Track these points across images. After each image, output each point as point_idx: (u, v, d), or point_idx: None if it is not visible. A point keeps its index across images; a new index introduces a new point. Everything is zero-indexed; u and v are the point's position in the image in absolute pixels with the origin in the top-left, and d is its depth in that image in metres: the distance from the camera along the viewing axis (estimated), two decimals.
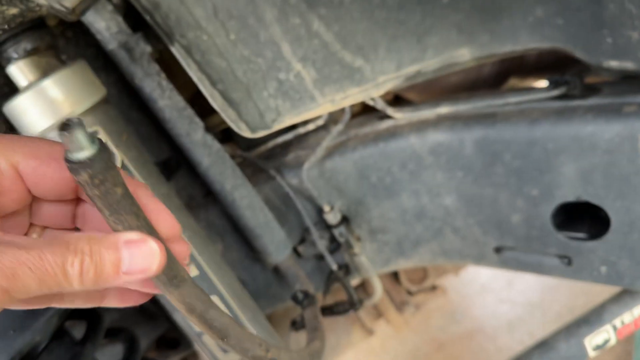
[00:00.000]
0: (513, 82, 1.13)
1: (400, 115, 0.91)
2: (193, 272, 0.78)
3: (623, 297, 1.10)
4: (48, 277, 0.39)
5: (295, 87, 0.82)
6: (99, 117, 0.72)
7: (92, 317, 0.82)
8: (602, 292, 1.15)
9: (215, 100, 0.78)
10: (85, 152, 0.32)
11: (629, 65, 0.74)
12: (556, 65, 1.06)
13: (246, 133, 0.82)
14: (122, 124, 0.76)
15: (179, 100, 0.81)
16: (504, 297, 2.63)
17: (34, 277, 0.38)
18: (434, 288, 1.49)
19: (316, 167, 0.93)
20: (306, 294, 0.93)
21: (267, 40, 0.77)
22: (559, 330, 1.15)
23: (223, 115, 0.79)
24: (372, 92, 0.84)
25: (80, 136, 0.32)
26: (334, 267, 0.94)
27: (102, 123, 0.72)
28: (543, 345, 1.15)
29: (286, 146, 1.03)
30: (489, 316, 2.58)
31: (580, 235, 0.86)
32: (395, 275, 1.45)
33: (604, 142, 0.76)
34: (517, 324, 2.39)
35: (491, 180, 0.87)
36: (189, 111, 0.82)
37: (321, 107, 0.85)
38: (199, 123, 0.82)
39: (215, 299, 0.80)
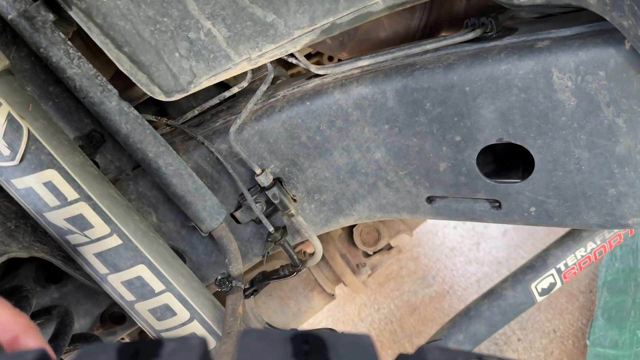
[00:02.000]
0: (445, 33, 1.13)
1: (322, 72, 0.90)
2: (115, 242, 0.77)
3: (566, 241, 1.12)
4: None
5: (207, 46, 0.80)
6: (1, 89, 0.70)
7: (18, 299, 0.80)
8: None
9: (122, 64, 0.76)
10: None
11: (538, 0, 0.74)
12: (485, 12, 1.05)
13: (160, 97, 0.80)
14: (27, 95, 0.73)
15: (89, 68, 0.79)
16: (472, 257, 2.67)
17: None
18: (389, 249, 1.50)
19: (244, 130, 0.92)
20: (228, 279, 0.91)
21: None
22: (506, 279, 1.17)
23: (133, 79, 0.77)
24: (289, 48, 0.83)
25: None
26: (271, 229, 0.93)
27: (5, 94, 0.70)
28: (491, 294, 1.17)
29: (217, 112, 1.01)
30: (459, 277, 2.62)
31: (505, 176, 0.87)
32: (350, 239, 1.46)
33: (518, 79, 0.76)
34: (485, 282, 2.43)
35: (416, 130, 0.87)
36: (101, 79, 0.79)
37: (238, 66, 0.83)
38: (112, 90, 0.80)
39: (142, 267, 0.79)
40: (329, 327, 2.92)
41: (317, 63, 1.42)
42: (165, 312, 0.83)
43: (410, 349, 2.46)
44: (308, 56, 1.34)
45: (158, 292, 0.81)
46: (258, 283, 1.05)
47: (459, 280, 2.60)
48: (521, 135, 0.80)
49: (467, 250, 2.74)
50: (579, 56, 0.71)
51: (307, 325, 2.97)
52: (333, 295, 1.51)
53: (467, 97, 0.80)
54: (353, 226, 1.43)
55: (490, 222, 0.92)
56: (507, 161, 0.95)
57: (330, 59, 1.46)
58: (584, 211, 0.83)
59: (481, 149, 0.85)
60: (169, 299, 0.82)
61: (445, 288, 2.60)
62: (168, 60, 0.79)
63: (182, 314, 0.83)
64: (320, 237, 1.42)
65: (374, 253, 1.49)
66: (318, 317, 3.04)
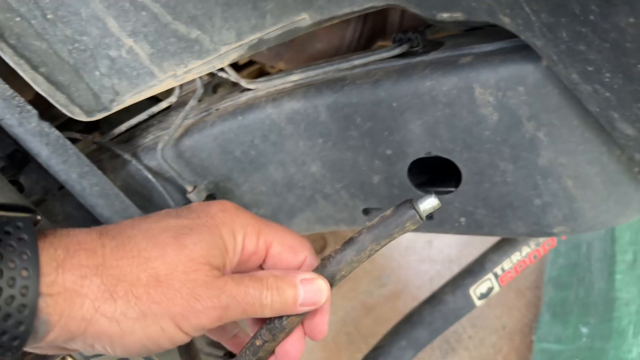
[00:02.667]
0: (380, 45, 1.13)
1: (253, 86, 0.89)
2: None
3: (502, 246, 1.15)
4: (249, 308, 0.54)
5: (130, 63, 0.78)
6: None
7: None
8: None
9: (39, 85, 0.73)
10: None
11: (459, 16, 0.74)
12: (420, 23, 1.06)
13: (81, 117, 0.77)
14: None
15: (5, 89, 0.75)
16: (425, 256, 2.72)
17: (239, 308, 0.53)
18: None
19: (174, 146, 0.90)
20: None
21: (90, 16, 0.73)
22: (446, 284, 1.19)
23: (51, 100, 0.74)
24: (216, 64, 0.82)
25: None
26: None
27: None
28: (432, 299, 1.19)
29: (147, 127, 0.99)
30: (413, 275, 2.66)
31: (436, 189, 0.88)
32: None
33: (442, 95, 0.77)
34: (437, 280, 2.47)
35: (349, 144, 0.87)
36: (19, 99, 0.76)
37: (164, 83, 0.81)
38: (31, 111, 0.76)
39: None
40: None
41: (261, 73, 1.41)
42: None
43: (366, 350, 2.49)
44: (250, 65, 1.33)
45: None
46: None
47: (412, 279, 2.64)
48: (448, 149, 0.81)
49: (420, 248, 2.78)
50: (499, 72, 0.72)
51: None
52: None
53: (395, 113, 0.81)
54: None
55: (424, 232, 0.93)
56: (442, 173, 0.97)
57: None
58: (512, 221, 0.85)
59: (415, 161, 0.86)
60: None
61: (400, 287, 2.63)
62: (88, 79, 0.77)
63: None
64: None
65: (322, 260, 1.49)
66: None
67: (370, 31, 1.07)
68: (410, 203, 0.60)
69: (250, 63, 1.33)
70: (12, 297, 0.43)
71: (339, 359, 2.50)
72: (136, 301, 0.49)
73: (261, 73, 1.34)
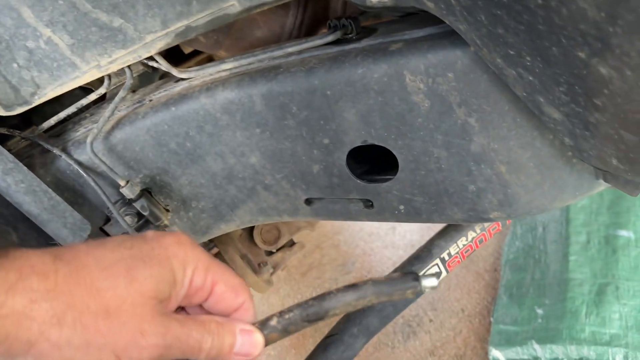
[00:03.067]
0: (324, 31, 1.11)
1: (185, 75, 0.86)
2: None
3: (449, 231, 1.15)
4: (189, 350, 0.54)
5: (49, 55, 0.74)
6: None
7: None
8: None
9: None
10: None
11: (387, 1, 0.73)
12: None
13: (0, 112, 0.74)
14: None
15: None
16: (388, 242, 2.73)
17: (180, 349, 0.54)
18: (291, 245, 1.50)
19: (105, 139, 0.87)
20: None
21: (3, 6, 0.69)
22: (394, 271, 1.19)
23: None
24: (142, 53, 0.79)
25: None
26: None
27: None
28: None
29: (80, 120, 0.95)
30: (377, 262, 2.68)
31: (376, 177, 0.87)
32: (251, 239, 1.44)
33: (374, 83, 0.76)
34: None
35: (286, 133, 0.86)
36: None
37: (87, 74, 0.78)
38: None
39: None
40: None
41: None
42: None
43: None
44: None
45: None
46: None
47: (376, 265, 2.65)
48: (383, 137, 0.80)
49: (384, 234, 2.80)
50: (428, 59, 0.72)
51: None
52: None
53: (330, 101, 0.80)
54: (253, 226, 1.41)
55: (365, 221, 0.93)
56: (383, 162, 0.96)
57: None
58: (448, 207, 0.85)
59: (356, 150, 0.85)
60: None
61: (364, 273, 2.65)
62: (5, 72, 0.73)
63: None
64: (219, 238, 1.40)
65: (277, 251, 1.48)
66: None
67: (312, 18, 1.05)
68: (417, 276, 0.65)
69: (197, 52, 1.30)
70: None
71: (305, 345, 2.50)
72: (82, 330, 0.50)
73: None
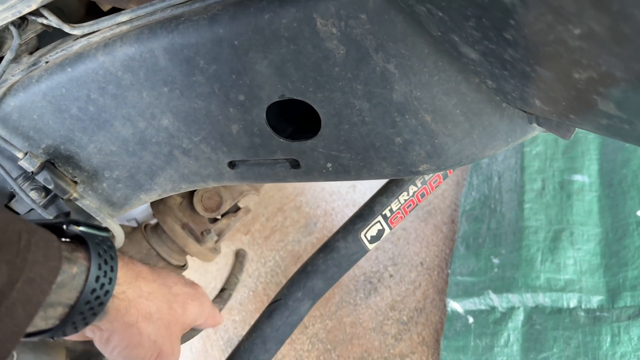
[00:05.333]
0: None
1: (77, 32, 0.77)
2: None
3: (390, 187, 1.11)
4: (208, 319, 0.95)
5: None
6: None
7: None
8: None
9: None
10: None
11: None
12: None
13: None
14: None
15: None
16: (349, 200, 2.70)
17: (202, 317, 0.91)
18: (236, 210, 1.44)
19: (0, 107, 0.78)
20: None
21: None
22: (337, 231, 1.15)
23: None
24: (22, 8, 0.70)
25: None
26: (49, 217, 0.82)
27: None
28: (325, 247, 1.15)
29: None
30: (339, 221, 2.65)
31: (298, 136, 0.81)
32: (192, 207, 1.37)
33: (284, 29, 0.68)
34: None
35: (197, 91, 0.78)
36: None
37: None
38: None
39: None
40: (218, 287, 2.88)
41: None
42: None
43: None
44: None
45: None
46: None
47: (338, 224, 2.61)
48: (300, 90, 0.74)
49: (344, 193, 2.76)
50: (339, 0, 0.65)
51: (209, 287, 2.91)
52: (183, 266, 1.44)
53: (239, 52, 0.72)
54: (193, 193, 1.34)
55: (294, 182, 0.87)
56: (310, 121, 0.90)
57: None
58: (376, 162, 0.79)
59: (280, 109, 0.79)
60: None
61: (326, 233, 2.62)
62: None
63: None
64: (157, 208, 1.33)
65: (221, 217, 1.42)
66: (207, 278, 2.98)
67: None
68: None
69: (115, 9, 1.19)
70: (103, 285, 0.68)
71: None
72: (156, 330, 0.76)
73: None
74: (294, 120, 0.91)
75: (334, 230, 2.33)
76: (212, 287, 2.91)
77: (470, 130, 0.75)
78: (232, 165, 0.88)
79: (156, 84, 0.79)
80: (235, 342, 2.52)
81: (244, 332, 1.17)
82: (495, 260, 1.83)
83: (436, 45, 0.66)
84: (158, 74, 0.77)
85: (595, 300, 1.61)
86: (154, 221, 1.43)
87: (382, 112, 0.73)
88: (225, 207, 1.36)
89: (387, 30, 0.65)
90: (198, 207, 1.33)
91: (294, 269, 2.64)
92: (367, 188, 2.67)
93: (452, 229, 2.13)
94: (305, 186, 3.10)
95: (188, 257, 1.45)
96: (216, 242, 1.39)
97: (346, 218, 1.14)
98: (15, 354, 0.81)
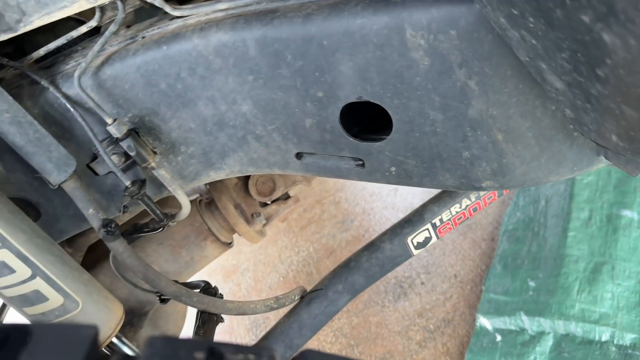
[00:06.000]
0: None
1: (178, 13, 0.82)
2: None
3: (443, 197, 1.13)
4: None
5: None
6: None
7: None
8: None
9: None
10: None
11: None
12: None
13: None
14: None
15: None
16: (389, 203, 2.72)
17: None
18: (286, 198, 1.48)
19: (95, 75, 0.84)
20: (109, 225, 0.88)
21: None
22: (385, 232, 1.18)
23: None
24: None
25: None
26: (127, 182, 0.88)
27: None
28: (370, 246, 1.18)
29: (71, 53, 0.92)
30: (375, 222, 2.67)
31: (369, 136, 0.85)
32: (246, 189, 1.42)
33: (373, 35, 0.72)
34: None
35: (279, 83, 0.82)
36: None
37: (76, 5, 0.75)
38: None
39: None
40: (250, 268, 2.95)
41: None
42: (2, 269, 0.78)
43: None
44: None
45: None
46: (128, 235, 1.01)
47: (374, 225, 2.65)
48: (379, 95, 0.77)
49: (385, 195, 2.78)
50: (431, 13, 0.67)
51: (230, 267, 2.98)
52: (230, 243, 1.49)
53: (326, 52, 0.76)
54: (249, 176, 1.39)
55: (356, 180, 0.91)
56: (377, 123, 0.93)
57: None
58: (440, 173, 0.82)
59: (351, 108, 0.82)
60: (4, 255, 0.76)
61: (362, 232, 2.65)
62: None
63: (22, 271, 0.79)
64: (214, 185, 1.39)
65: (272, 203, 1.47)
66: (240, 259, 3.06)
67: None
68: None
69: None
70: None
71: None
72: None
73: None
74: (360, 120, 0.94)
75: (370, 229, 2.37)
76: (244, 268, 2.98)
77: (539, 154, 0.77)
78: (299, 156, 0.92)
79: (242, 72, 0.83)
80: (260, 323, 2.59)
81: (270, 315, 1.21)
82: (532, 283, 1.83)
83: (520, 68, 0.68)
84: (246, 62, 0.82)
85: (629, 338, 1.60)
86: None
87: (455, 125, 0.75)
88: (277, 194, 1.40)
89: (474, 48, 0.68)
90: (252, 190, 1.38)
91: (326, 262, 2.69)
92: (409, 193, 2.69)
93: (491, 246, 2.12)
94: (346, 183, 3.13)
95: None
96: (264, 225, 1.44)
97: (384, 220, 1.18)
98: (80, 303, 0.87)
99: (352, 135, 0.85)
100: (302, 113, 0.85)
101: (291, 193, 1.51)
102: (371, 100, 0.78)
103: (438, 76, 0.72)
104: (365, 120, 0.91)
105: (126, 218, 1.16)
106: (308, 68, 0.79)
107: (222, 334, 2.61)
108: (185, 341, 0.35)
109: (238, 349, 0.36)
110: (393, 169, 0.85)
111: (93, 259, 1.38)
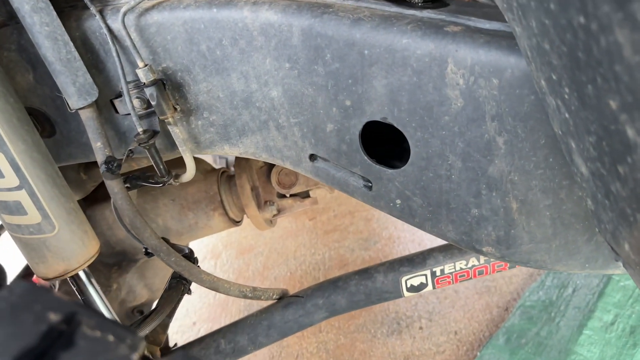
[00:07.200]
0: None
1: None
2: None
3: (452, 249, 1.07)
4: None
5: None
6: None
7: None
8: None
9: None
10: None
11: None
12: None
13: None
14: None
15: None
16: (417, 237, 2.64)
17: None
18: (305, 197, 1.45)
19: (141, 16, 0.84)
20: (112, 162, 0.88)
21: None
22: (382, 263, 1.13)
23: None
24: None
25: None
26: (140, 129, 0.88)
27: None
28: (363, 272, 1.14)
29: None
30: (398, 251, 2.60)
31: (384, 160, 0.80)
32: (269, 175, 1.40)
33: (414, 59, 0.67)
34: None
35: (312, 79, 0.79)
36: None
37: None
38: None
39: None
40: (264, 253, 2.95)
41: None
42: None
43: None
44: None
45: None
46: (132, 180, 1.01)
47: (395, 254, 2.57)
48: (404, 121, 0.72)
49: (416, 229, 2.70)
50: (478, 54, 0.62)
51: (247, 245, 2.99)
52: (238, 222, 1.48)
53: (364, 62, 0.72)
54: (273, 165, 1.37)
55: (359, 200, 0.86)
56: (391, 151, 0.88)
57: None
58: (444, 221, 0.77)
59: (373, 125, 0.78)
60: None
61: (380, 257, 2.58)
62: None
63: (10, 178, 0.80)
64: (239, 162, 1.38)
65: (289, 196, 1.44)
66: (258, 242, 3.06)
67: None
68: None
69: None
70: None
71: None
72: None
73: None
74: (379, 142, 0.89)
75: (389, 257, 2.30)
76: (258, 252, 2.98)
77: (551, 237, 0.70)
78: (312, 158, 0.89)
79: (281, 57, 0.81)
80: (254, 309, 2.58)
81: (265, 303, 1.18)
82: None
83: (554, 141, 0.62)
84: (287, 48, 0.79)
85: None
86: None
87: (472, 178, 0.70)
88: (297, 189, 1.38)
89: (512, 104, 0.62)
90: (273, 178, 1.36)
91: (336, 272, 2.64)
92: None
93: (502, 316, 2.01)
94: None
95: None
96: (274, 216, 1.42)
97: (406, 252, 1.12)
98: (57, 228, 0.87)
99: (368, 154, 0.81)
100: (326, 116, 0.81)
101: (312, 194, 1.48)
102: (395, 125, 0.73)
103: (467, 122, 0.66)
104: (384, 143, 0.87)
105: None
106: (343, 73, 0.75)
107: (214, 306, 2.62)
108: (48, 296, 0.32)
109: (102, 324, 0.33)
110: (398, 201, 0.80)
111: (108, 193, 1.40)
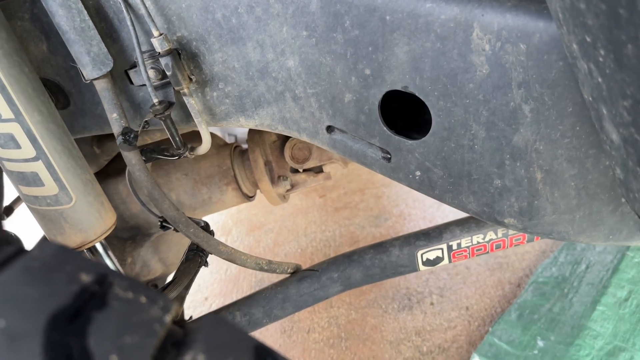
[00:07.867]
0: None
1: None
2: None
3: (469, 222, 1.06)
4: None
5: None
6: None
7: None
8: None
9: None
10: None
11: None
12: None
13: None
14: None
15: None
16: (428, 214, 2.63)
17: None
18: (319, 172, 1.44)
19: None
20: (129, 133, 0.87)
21: None
22: (398, 237, 1.12)
23: None
24: None
25: None
26: (155, 100, 0.87)
27: None
28: (379, 246, 1.13)
29: None
30: (407, 228, 2.59)
31: (404, 131, 0.79)
32: (282, 149, 1.39)
33: (438, 24, 0.65)
34: None
35: (331, 47, 0.78)
36: None
37: None
38: None
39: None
40: (275, 230, 2.95)
41: None
42: (8, 141, 0.78)
43: None
44: None
45: (4, 119, 0.76)
46: (147, 153, 1.01)
47: (407, 231, 2.57)
48: (426, 90, 0.71)
49: (428, 206, 2.69)
50: (505, 18, 0.60)
51: (257, 222, 3.00)
52: (251, 197, 1.48)
53: (385, 28, 0.70)
54: (288, 138, 1.36)
55: (377, 172, 0.85)
56: (416, 118, 0.87)
57: None
58: (465, 193, 0.75)
59: (393, 95, 0.77)
60: (14, 128, 0.77)
61: (391, 233, 2.58)
62: None
63: (27, 149, 0.79)
64: (252, 136, 1.37)
65: (303, 171, 1.43)
66: (269, 219, 3.07)
67: None
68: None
69: None
70: None
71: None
72: None
73: None
74: (394, 113, 0.88)
75: (401, 234, 2.29)
76: (268, 229, 2.99)
77: (575, 208, 0.69)
78: (330, 129, 0.88)
79: (298, 25, 0.79)
80: (265, 284, 2.59)
81: (276, 279, 1.19)
82: (540, 343, 1.72)
83: (582, 109, 0.61)
84: (305, 16, 0.77)
85: None
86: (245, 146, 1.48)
87: (495, 147, 0.68)
88: (310, 164, 1.37)
89: (540, 70, 0.60)
90: (287, 153, 1.35)
91: (346, 249, 2.64)
92: (452, 211, 2.58)
93: (514, 292, 2.01)
94: (393, 181, 3.04)
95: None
96: (287, 190, 1.41)
97: (418, 228, 1.11)
98: (74, 199, 0.87)
99: (393, 123, 0.80)
100: (345, 86, 0.80)
101: (325, 169, 1.46)
102: (416, 94, 0.72)
103: (493, 89, 0.65)
104: (403, 115, 0.85)
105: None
106: (363, 40, 0.73)
107: (225, 282, 2.64)
108: (78, 257, 0.32)
109: (134, 286, 0.32)
110: (418, 173, 0.79)
111: (121, 167, 1.40)
